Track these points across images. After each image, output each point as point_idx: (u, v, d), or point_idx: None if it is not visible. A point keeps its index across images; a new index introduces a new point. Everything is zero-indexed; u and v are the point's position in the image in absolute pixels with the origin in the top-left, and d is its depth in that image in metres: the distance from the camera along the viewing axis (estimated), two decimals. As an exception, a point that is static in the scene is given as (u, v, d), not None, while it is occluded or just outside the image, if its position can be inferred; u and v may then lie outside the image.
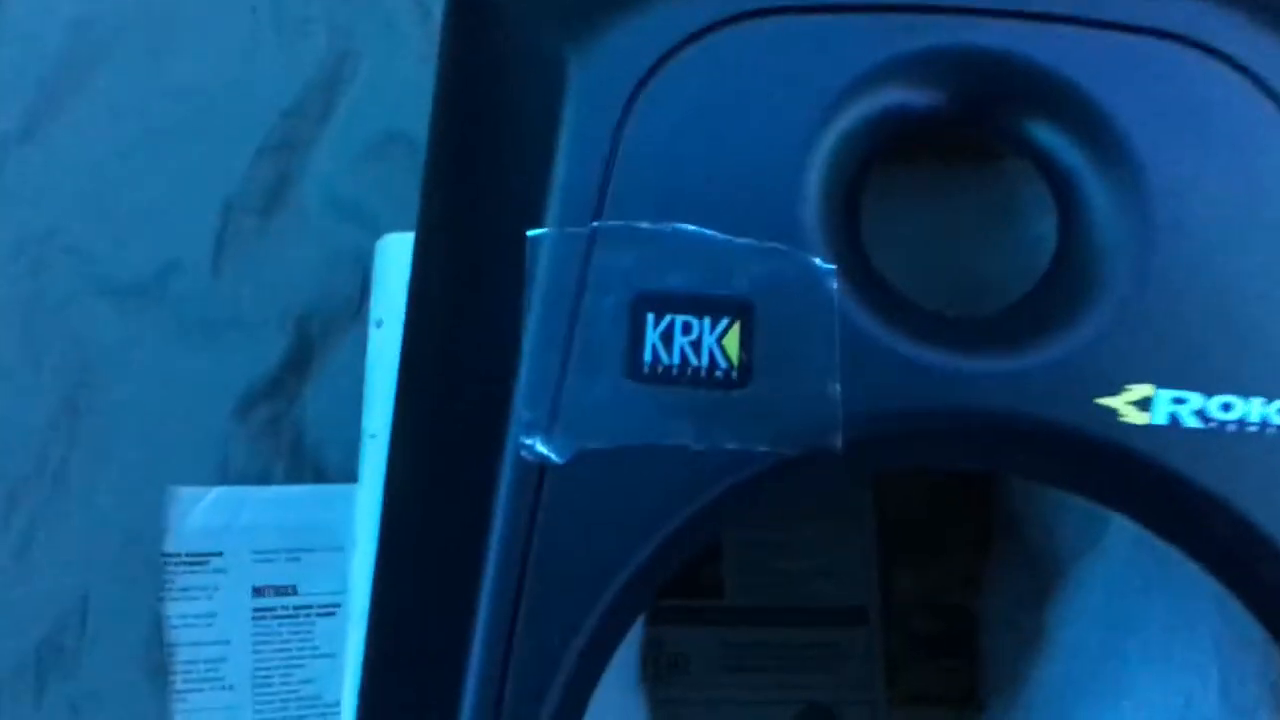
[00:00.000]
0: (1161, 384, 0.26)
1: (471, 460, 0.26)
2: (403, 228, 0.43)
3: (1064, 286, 0.27)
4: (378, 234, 0.51)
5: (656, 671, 0.47)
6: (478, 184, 0.28)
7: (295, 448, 0.50)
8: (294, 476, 0.49)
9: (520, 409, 0.26)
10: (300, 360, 0.51)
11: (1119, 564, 0.33)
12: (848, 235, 0.27)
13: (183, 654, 0.45)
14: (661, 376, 0.26)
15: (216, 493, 0.46)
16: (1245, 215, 0.26)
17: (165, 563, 0.45)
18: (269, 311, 0.51)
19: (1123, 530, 0.31)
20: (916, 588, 0.48)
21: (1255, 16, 0.28)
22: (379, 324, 0.43)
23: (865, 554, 0.48)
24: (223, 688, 0.45)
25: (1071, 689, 0.34)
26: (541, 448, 0.25)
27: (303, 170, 0.53)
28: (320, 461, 0.49)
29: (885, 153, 0.28)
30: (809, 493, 0.27)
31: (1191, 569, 0.28)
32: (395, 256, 0.42)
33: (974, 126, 0.28)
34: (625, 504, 0.25)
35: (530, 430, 0.25)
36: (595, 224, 0.26)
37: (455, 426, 0.27)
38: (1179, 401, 0.26)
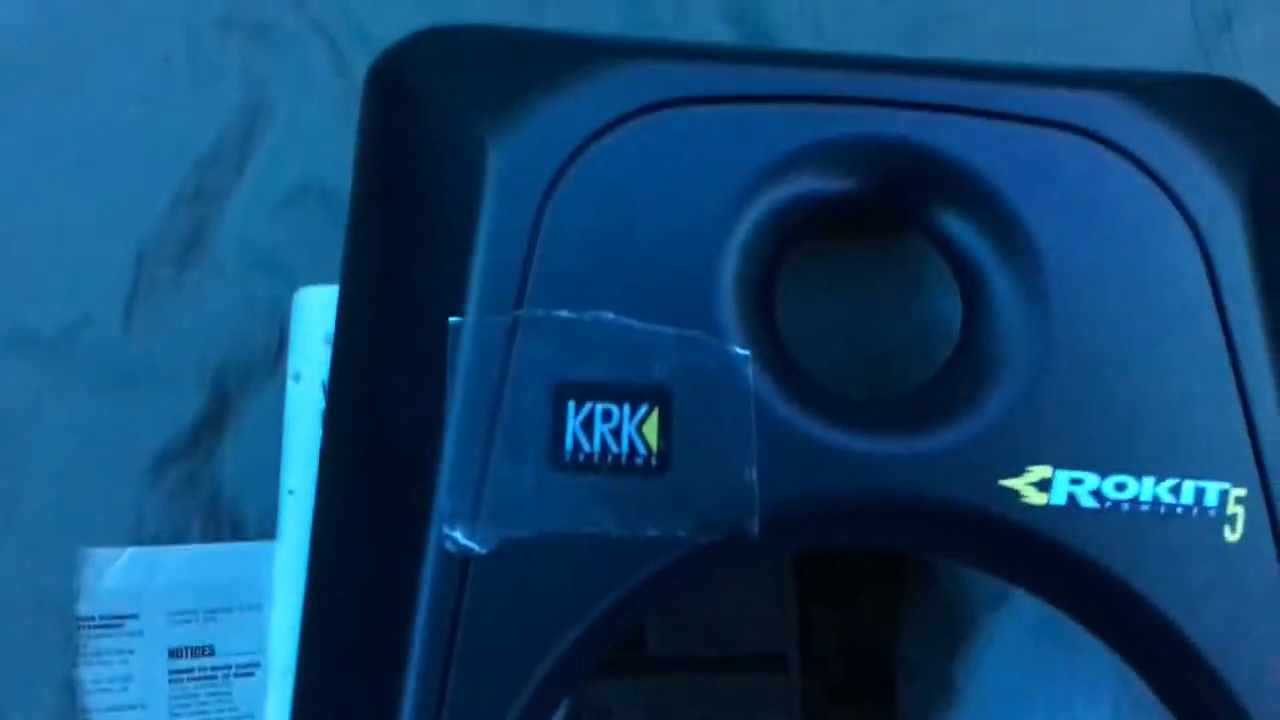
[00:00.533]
0: (1059, 465, 0.27)
1: (394, 547, 0.26)
2: (318, 279, 0.43)
3: (968, 370, 0.28)
4: (294, 285, 0.50)
5: (582, 724, 0.47)
6: (399, 266, 0.29)
7: (212, 505, 0.48)
8: (211, 534, 0.48)
9: (443, 498, 0.26)
10: (217, 415, 0.49)
11: (1026, 626, 0.34)
12: (762, 321, 0.28)
13: (98, 719, 0.44)
14: (583, 464, 0.26)
15: (131, 553, 0.45)
16: (1137, 302, 0.28)
17: (79, 626, 0.44)
18: (184, 365, 0.49)
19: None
20: (835, 634, 0.49)
21: (1148, 110, 0.29)
22: (297, 378, 0.43)
23: (784, 601, 0.49)
24: None
25: (980, 741, 0.35)
26: (464, 540, 0.26)
27: (218, 220, 0.52)
28: (238, 518, 0.48)
29: (797, 238, 0.29)
30: (729, 571, 0.27)
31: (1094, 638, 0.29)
32: (312, 309, 0.42)
33: (882, 213, 0.29)
34: (549, 592, 0.26)
35: (453, 520, 0.26)
36: (516, 313, 0.27)
37: (378, 512, 0.27)
38: (1076, 482, 0.27)
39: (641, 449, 0.26)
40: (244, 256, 0.50)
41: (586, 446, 0.26)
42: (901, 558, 0.46)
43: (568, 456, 0.26)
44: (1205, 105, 0.30)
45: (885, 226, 0.31)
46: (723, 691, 0.48)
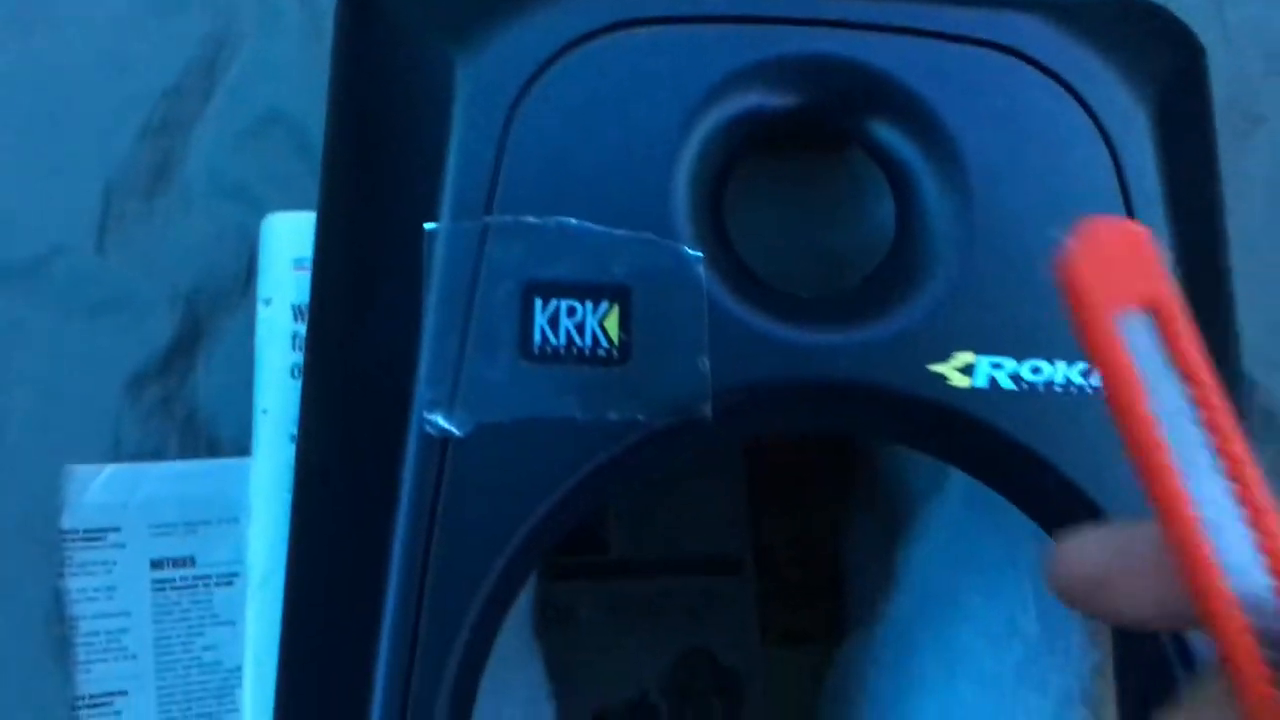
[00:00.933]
0: (981, 351, 0.29)
1: (379, 436, 0.29)
2: (286, 206, 0.44)
3: (901, 267, 0.31)
4: (262, 213, 0.51)
5: (546, 625, 0.49)
6: (374, 180, 0.30)
7: (188, 424, 0.49)
8: (188, 452, 0.48)
9: (423, 388, 0.28)
10: (190, 339, 0.50)
11: (957, 508, 0.37)
12: (714, 225, 0.30)
13: (84, 627, 0.45)
14: (550, 356, 0.28)
15: (112, 470, 0.46)
16: (1053, 203, 0.30)
17: (63, 539, 0.45)
18: (157, 291, 0.49)
19: (960, 477, 0.35)
20: (786, 536, 0.51)
21: (1066, 29, 0.31)
22: (267, 302, 0.44)
23: (737, 505, 0.51)
24: (125, 657, 0.45)
25: (918, 621, 0.38)
26: (443, 423, 0.28)
27: (185, 151, 0.52)
28: (213, 436, 0.49)
29: (746, 149, 0.31)
30: (685, 459, 0.30)
31: (1015, 512, 0.32)
32: (280, 235, 0.43)
33: (823, 125, 0.32)
34: (520, 471, 0.28)
35: (433, 407, 0.28)
36: (487, 218, 0.29)
37: (361, 406, 0.29)
38: (996, 366, 0.29)
39: (604, 342, 0.28)
40: (212, 186, 0.50)
41: (553, 340, 0.28)
42: (850, 462, 0.48)
43: (536, 349, 0.28)
44: (1119, 24, 0.32)
45: (826, 138, 0.34)
46: (681, 592, 0.50)
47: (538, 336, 0.28)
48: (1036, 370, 0.30)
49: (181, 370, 0.50)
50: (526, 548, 0.28)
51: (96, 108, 0.50)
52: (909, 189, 0.30)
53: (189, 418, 0.50)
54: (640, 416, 0.28)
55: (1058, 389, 0.30)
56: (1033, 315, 0.30)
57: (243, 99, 0.52)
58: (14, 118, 0.50)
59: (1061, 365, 0.30)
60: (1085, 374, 0.30)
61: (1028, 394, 0.29)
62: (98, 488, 0.46)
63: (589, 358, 0.28)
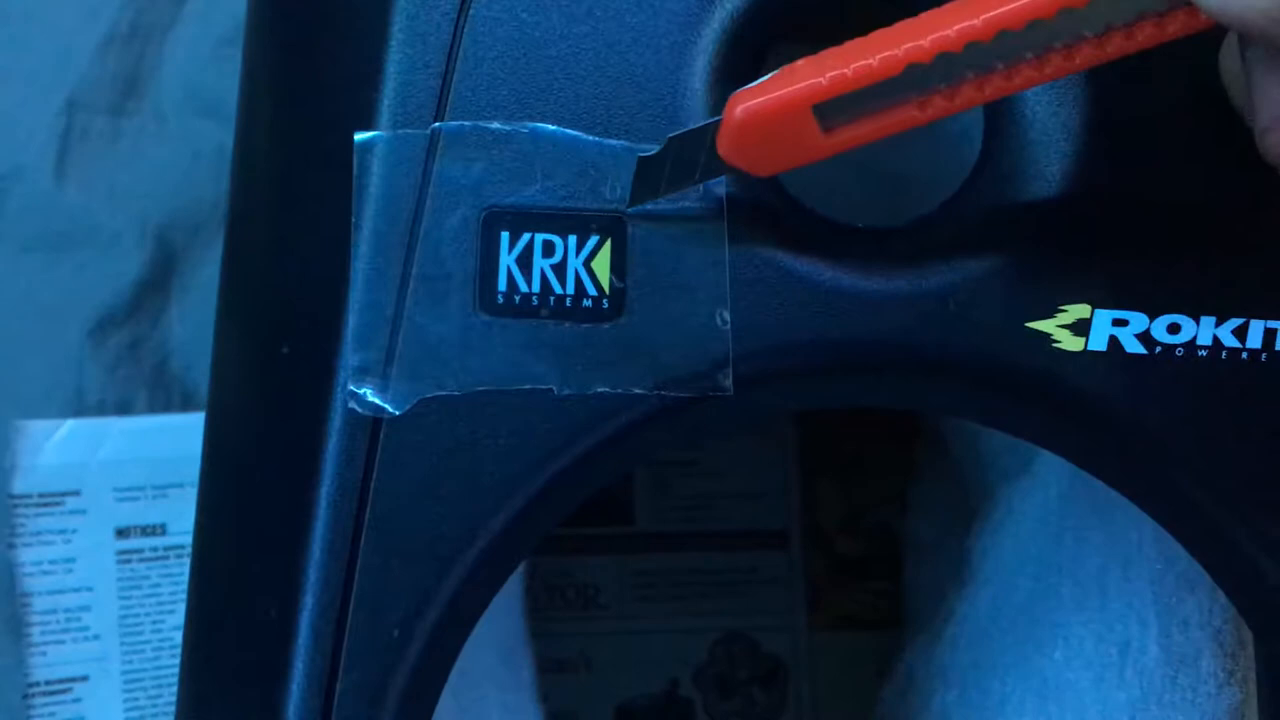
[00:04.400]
0: (1099, 303, 0.23)
1: (295, 408, 0.22)
2: (273, 124, 0.39)
3: (988, 189, 0.24)
4: None
5: (564, 603, 0.45)
6: (296, 79, 0.24)
7: (159, 373, 0.46)
8: (159, 405, 0.46)
9: (349, 351, 0.22)
10: (161, 276, 0.47)
11: (1053, 495, 0.30)
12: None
13: (39, 604, 0.42)
14: (519, 307, 0.22)
15: (71, 425, 0.43)
16: (1191, 98, 0.23)
17: (14, 505, 0.43)
18: (124, 222, 0.47)
19: (1056, 459, 0.28)
20: (840, 508, 0.46)
21: None
22: (246, 234, 0.39)
23: (785, 473, 0.46)
24: (87, 638, 0.43)
25: (998, 628, 0.32)
26: (374, 397, 0.22)
27: (157, 61, 0.48)
28: (188, 387, 0.46)
29: (782, 31, 0.24)
30: (698, 440, 0.23)
31: (1128, 507, 0.25)
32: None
33: None
34: (476, 462, 0.22)
35: (360, 377, 0.22)
36: (436, 125, 0.22)
37: (276, 370, 0.23)
38: (1119, 324, 0.23)
39: (591, 289, 0.23)
40: (187, 101, 0.46)
41: (523, 286, 0.23)
42: (911, 425, 0.42)
43: (500, 298, 0.23)
44: None
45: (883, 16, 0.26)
46: (717, 569, 0.45)
47: (503, 282, 0.22)
48: (1174, 329, 0.23)
49: (152, 312, 0.46)
50: (485, 562, 0.21)
51: (55, 8, 0.45)
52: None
53: (159, 366, 0.47)
54: (639, 388, 0.22)
55: (1202, 354, 0.23)
56: (1170, 253, 0.23)
57: (219, 4, 0.47)
58: (-38, 24, 0.45)
59: (1209, 323, 0.23)
60: (1240, 333, 0.23)
61: (1160, 360, 0.23)
62: (54, 446, 0.42)
63: (571, 310, 0.23)
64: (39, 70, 0.46)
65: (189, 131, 0.47)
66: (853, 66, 0.20)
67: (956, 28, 0.20)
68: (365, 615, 0.21)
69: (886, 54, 0.20)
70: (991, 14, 0.20)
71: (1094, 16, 0.19)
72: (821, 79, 0.20)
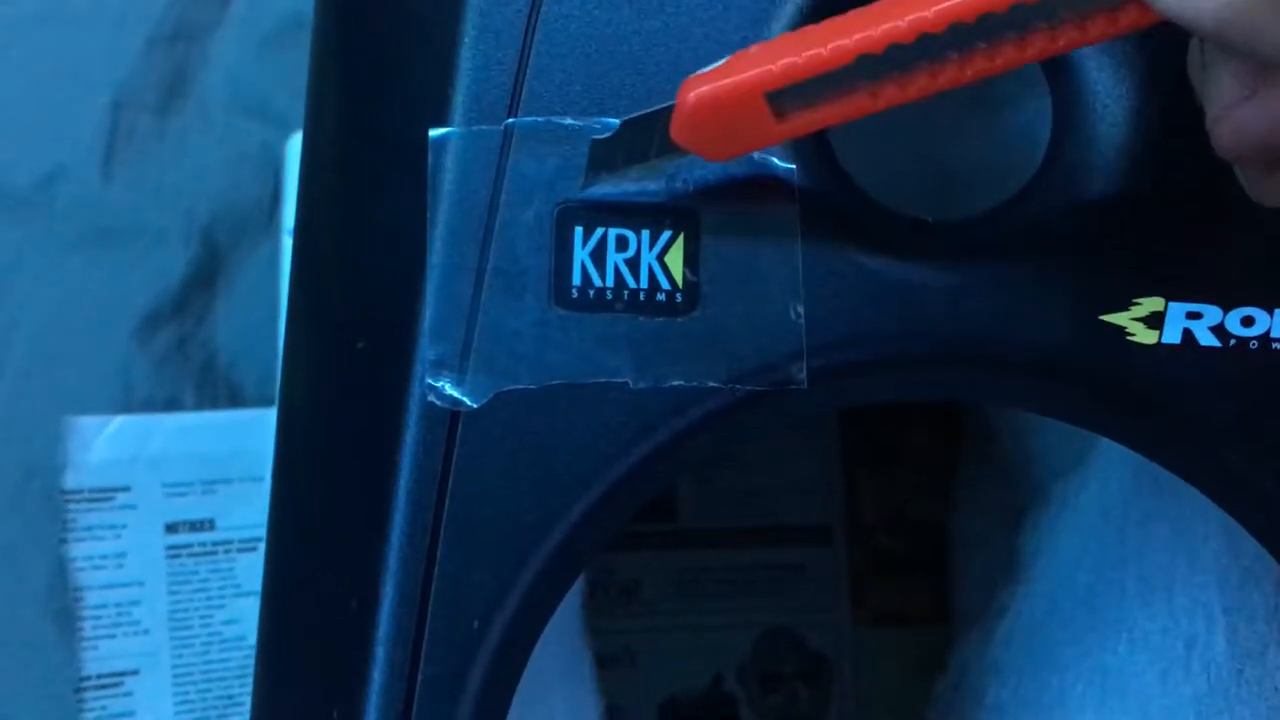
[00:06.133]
0: (1174, 296, 0.23)
1: (373, 404, 0.22)
2: (316, 123, 0.39)
3: (1058, 181, 0.24)
4: (288, 131, 0.47)
5: (608, 600, 0.45)
6: (371, 77, 0.24)
7: (206, 370, 0.46)
8: (206, 402, 0.46)
9: (426, 345, 0.22)
10: (208, 273, 0.47)
11: (1113, 490, 0.30)
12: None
13: (91, 598, 0.43)
14: (593, 302, 0.22)
15: (120, 422, 0.44)
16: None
17: (66, 501, 0.43)
18: (170, 219, 0.47)
19: (1115, 450, 0.28)
20: (883, 502, 0.46)
21: None
22: (294, 232, 0.39)
23: (828, 468, 0.46)
24: (137, 633, 0.43)
25: (1055, 622, 0.31)
26: (452, 390, 0.22)
27: (202, 61, 0.48)
28: (235, 384, 0.46)
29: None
30: (769, 433, 0.23)
31: (1194, 494, 0.25)
32: (308, 156, 0.37)
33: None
34: (552, 454, 0.22)
35: (438, 370, 0.22)
36: (510, 121, 0.22)
37: (354, 365, 0.23)
38: (1194, 316, 0.23)
39: (664, 283, 0.22)
40: (232, 100, 0.46)
41: (597, 280, 0.22)
42: (951, 419, 0.42)
43: (575, 293, 0.22)
44: None
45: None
46: (759, 565, 0.45)
47: (577, 276, 0.22)
48: (1248, 321, 0.23)
49: (198, 309, 0.46)
50: (561, 555, 0.21)
51: (101, 9, 0.46)
52: (1068, 70, 0.23)
53: (207, 362, 0.47)
54: (713, 382, 0.22)
55: (1276, 347, 0.23)
56: (1244, 246, 0.23)
57: (265, 2, 0.47)
58: (12, 25, 0.46)
59: (1285, 315, 0.22)
60: (1316, 327, 0.22)
61: (1234, 353, 0.23)
62: (104, 442, 0.43)
63: (645, 304, 0.22)
64: (85, 70, 0.46)
65: (234, 130, 0.47)
66: (804, 55, 0.20)
67: (908, 19, 0.20)
68: (446, 607, 0.21)
69: (838, 43, 0.20)
70: (943, 6, 0.20)
71: (1046, 9, 0.19)
72: (773, 66, 0.20)
